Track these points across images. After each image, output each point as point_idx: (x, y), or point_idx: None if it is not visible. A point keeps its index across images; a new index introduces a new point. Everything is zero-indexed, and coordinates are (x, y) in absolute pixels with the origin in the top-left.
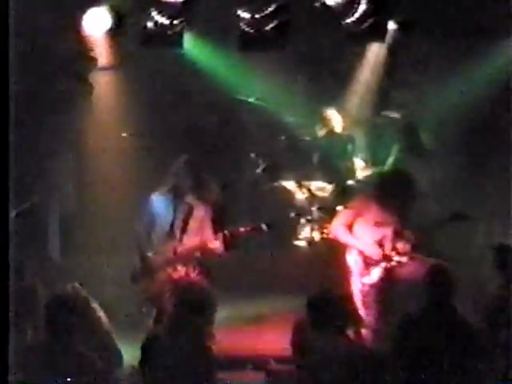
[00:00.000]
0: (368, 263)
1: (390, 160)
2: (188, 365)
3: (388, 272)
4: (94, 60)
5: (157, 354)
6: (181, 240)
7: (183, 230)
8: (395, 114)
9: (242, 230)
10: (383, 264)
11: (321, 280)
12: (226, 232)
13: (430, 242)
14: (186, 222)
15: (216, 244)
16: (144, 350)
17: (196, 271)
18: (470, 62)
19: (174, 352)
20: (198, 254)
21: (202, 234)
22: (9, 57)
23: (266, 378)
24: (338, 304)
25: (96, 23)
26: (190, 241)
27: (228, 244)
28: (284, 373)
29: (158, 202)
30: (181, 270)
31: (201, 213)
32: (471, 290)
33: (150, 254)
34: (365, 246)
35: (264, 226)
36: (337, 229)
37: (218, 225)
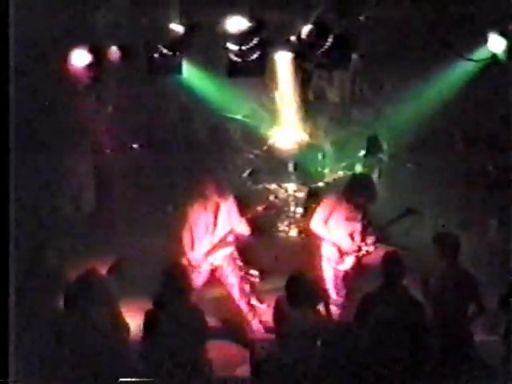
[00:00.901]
0: (342, 253)
1: (358, 166)
2: (183, 334)
3: (358, 260)
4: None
5: (156, 325)
6: (212, 233)
7: (214, 224)
8: (356, 128)
9: (259, 209)
10: (355, 253)
11: (297, 265)
12: (248, 216)
13: (389, 233)
14: (215, 217)
15: (242, 227)
16: (145, 322)
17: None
18: (420, 84)
19: (170, 323)
20: (231, 240)
21: (231, 223)
22: (10, 57)
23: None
24: (310, 285)
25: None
26: (221, 231)
27: (252, 226)
28: (267, 340)
29: (194, 212)
30: (219, 258)
31: (227, 206)
32: (420, 272)
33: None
34: (340, 239)
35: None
36: (316, 227)
37: (241, 211)
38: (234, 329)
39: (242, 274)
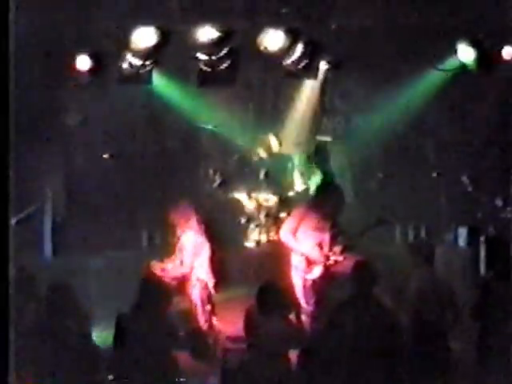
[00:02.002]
0: (310, 262)
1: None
2: (152, 340)
3: (326, 269)
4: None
5: (127, 331)
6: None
7: (173, 252)
8: (327, 138)
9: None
10: (323, 263)
11: (267, 274)
12: None
13: (360, 242)
14: (173, 250)
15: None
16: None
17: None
18: (389, 93)
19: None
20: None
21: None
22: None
23: (223, 354)
24: (281, 294)
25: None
26: (171, 262)
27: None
28: (237, 350)
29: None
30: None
31: (187, 241)
32: (391, 281)
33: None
34: (308, 249)
35: None
36: (285, 236)
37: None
38: (196, 343)
39: (205, 293)
